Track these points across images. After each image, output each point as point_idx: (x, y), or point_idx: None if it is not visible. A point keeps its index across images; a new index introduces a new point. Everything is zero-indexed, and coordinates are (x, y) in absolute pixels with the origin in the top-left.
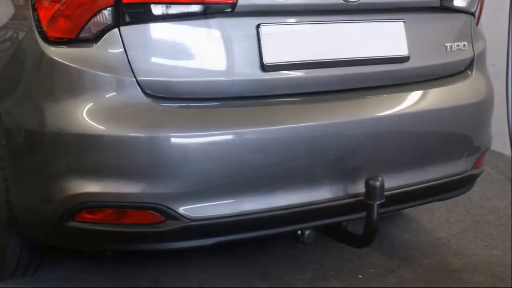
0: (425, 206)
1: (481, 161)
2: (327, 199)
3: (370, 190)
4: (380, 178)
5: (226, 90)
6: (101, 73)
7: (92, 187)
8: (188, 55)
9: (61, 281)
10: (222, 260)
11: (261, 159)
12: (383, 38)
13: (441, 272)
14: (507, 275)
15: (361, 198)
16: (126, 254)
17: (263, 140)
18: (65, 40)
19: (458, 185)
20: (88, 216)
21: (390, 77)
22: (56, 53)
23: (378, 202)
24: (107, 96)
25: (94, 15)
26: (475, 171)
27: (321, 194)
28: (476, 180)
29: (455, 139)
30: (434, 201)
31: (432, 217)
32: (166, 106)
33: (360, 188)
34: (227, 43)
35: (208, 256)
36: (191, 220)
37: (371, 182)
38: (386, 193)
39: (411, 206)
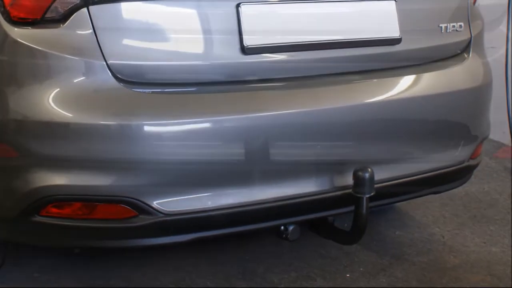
0: (418, 199)
1: (479, 151)
2: (313, 192)
3: (359, 182)
4: (369, 170)
5: (204, 75)
6: (69, 56)
7: (59, 179)
8: (163, 37)
9: (27, 281)
10: (199, 257)
11: (241, 148)
12: (373, 19)
13: (436, 271)
14: (507, 274)
15: (349, 191)
16: (97, 251)
17: (244, 128)
18: (30, 20)
19: (454, 177)
20: (55, 210)
21: (381, 61)
22: (20, 34)
23: (367, 195)
24: (75, 81)
25: None
26: (472, 162)
27: (306, 186)
28: (473, 172)
29: (450, 127)
30: (428, 194)
31: (426, 211)
32: (139, 91)
33: (348, 180)
34: (205, 24)
35: (185, 253)
36: (166, 214)
37: (359, 173)
38: (376, 186)
39: (403, 200)
